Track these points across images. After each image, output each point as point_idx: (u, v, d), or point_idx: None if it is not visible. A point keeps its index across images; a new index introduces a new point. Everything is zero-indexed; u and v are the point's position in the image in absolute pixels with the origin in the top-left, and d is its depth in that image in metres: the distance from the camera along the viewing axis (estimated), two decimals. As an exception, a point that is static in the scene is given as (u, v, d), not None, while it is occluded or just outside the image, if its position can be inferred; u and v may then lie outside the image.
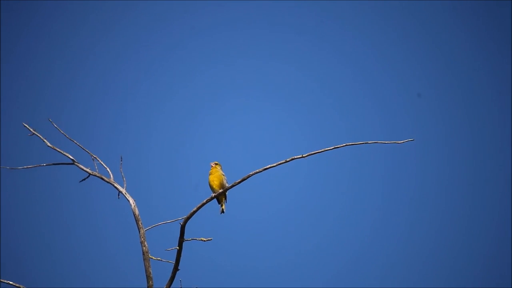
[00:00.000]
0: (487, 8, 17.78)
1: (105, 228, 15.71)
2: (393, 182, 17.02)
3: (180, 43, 18.17)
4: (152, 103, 17.78)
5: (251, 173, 10.14)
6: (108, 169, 10.72)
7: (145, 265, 10.20)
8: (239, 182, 10.23)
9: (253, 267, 15.74)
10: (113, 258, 15.55)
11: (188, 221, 10.23)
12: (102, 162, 10.73)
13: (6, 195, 15.39)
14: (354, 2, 18.07)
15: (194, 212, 10.25)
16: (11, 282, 10.09)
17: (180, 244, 10.20)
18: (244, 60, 18.06)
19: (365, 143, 10.16)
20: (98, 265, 15.60)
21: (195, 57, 18.10)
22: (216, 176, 11.70)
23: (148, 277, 10.17)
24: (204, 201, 10.35)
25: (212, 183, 11.69)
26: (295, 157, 10.10)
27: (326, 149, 10.11)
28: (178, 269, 10.24)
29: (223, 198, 11.70)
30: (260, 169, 10.11)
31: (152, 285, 10.15)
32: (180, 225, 10.21)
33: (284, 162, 10.12)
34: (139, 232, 10.33)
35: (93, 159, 10.73)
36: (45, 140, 10.68)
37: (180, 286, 10.25)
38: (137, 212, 10.40)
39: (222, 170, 11.81)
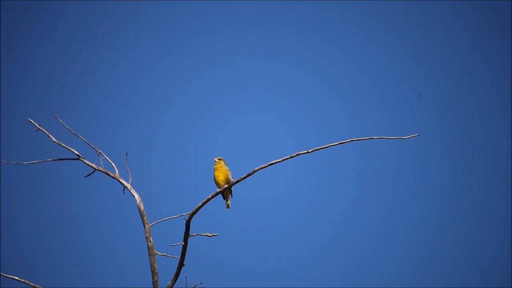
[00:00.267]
0: (487, 8, 17.77)
1: (110, 224, 15.73)
2: (395, 181, 17.03)
3: (182, 42, 18.21)
4: (158, 99, 17.81)
5: (256, 168, 10.12)
6: (113, 164, 10.71)
7: (150, 261, 10.19)
8: (245, 177, 10.20)
9: (258, 263, 15.73)
10: (118, 254, 15.58)
11: (193, 217, 10.22)
12: (107, 158, 10.72)
13: (11, 190, 15.42)
14: (354, 1, 18.07)
15: (200, 207, 10.23)
16: (16, 278, 10.09)
17: (186, 240, 10.19)
18: (245, 59, 18.08)
19: (370, 138, 10.13)
20: (104, 260, 15.62)
21: (198, 55, 18.13)
22: (222, 171, 11.68)
23: (153, 273, 10.17)
24: (210, 196, 10.32)
25: (217, 178, 11.67)
26: (300, 152, 10.08)
27: (331, 144, 10.09)
28: (183, 265, 10.23)
29: (229, 193, 11.69)
30: (266, 164, 10.09)
31: (157, 280, 10.15)
32: (185, 221, 10.20)
33: (289, 158, 10.09)
34: (144, 227, 10.32)
35: (98, 155, 10.73)
36: (50, 136, 10.68)
37: (185, 282, 10.26)
38: (142, 207, 10.39)
39: (226, 165, 11.80)
